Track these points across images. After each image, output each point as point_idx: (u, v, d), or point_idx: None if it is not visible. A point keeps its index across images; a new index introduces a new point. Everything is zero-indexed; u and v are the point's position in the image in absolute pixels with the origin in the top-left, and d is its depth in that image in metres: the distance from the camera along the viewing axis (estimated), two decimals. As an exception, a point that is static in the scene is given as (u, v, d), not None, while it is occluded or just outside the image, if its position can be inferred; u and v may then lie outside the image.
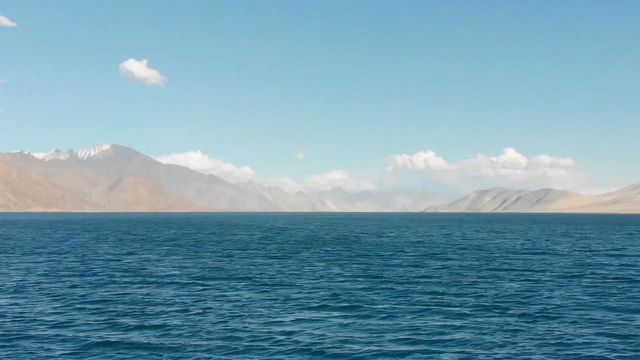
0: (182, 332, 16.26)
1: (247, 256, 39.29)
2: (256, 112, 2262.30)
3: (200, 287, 24.24)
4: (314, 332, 16.35)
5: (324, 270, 30.89)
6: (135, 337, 15.75)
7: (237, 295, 22.37)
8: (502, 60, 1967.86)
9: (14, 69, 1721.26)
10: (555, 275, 28.26)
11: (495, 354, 14.15)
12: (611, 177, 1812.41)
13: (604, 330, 16.39)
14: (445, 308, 19.63)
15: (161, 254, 41.41)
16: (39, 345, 14.89)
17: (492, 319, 17.97)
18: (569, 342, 15.14)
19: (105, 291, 23.19)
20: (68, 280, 26.25)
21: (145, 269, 31.27)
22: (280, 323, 17.39)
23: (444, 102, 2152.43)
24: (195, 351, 14.38)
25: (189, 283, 25.52)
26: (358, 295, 22.22)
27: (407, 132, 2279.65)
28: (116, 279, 26.79)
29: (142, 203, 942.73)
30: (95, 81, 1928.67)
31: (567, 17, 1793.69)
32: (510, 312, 18.94)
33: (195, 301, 20.93)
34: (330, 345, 14.91)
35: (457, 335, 15.82)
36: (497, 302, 20.79)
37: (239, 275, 28.22)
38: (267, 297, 21.79)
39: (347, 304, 20.33)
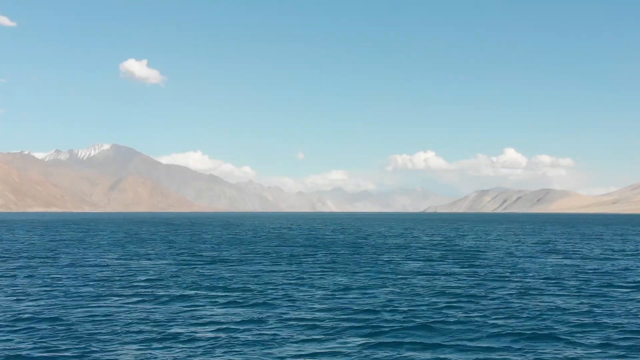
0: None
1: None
2: (256, 112, 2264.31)
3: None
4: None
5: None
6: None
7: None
8: (502, 60, 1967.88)
9: (14, 69, 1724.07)
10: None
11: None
12: (611, 177, 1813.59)
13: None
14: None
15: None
16: None
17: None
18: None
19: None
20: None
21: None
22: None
23: (444, 102, 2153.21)
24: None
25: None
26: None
27: (407, 132, 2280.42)
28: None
29: (142, 203, 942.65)
30: (95, 81, 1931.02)
31: (567, 17, 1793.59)
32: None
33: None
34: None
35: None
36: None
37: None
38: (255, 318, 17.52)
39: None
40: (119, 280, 25.62)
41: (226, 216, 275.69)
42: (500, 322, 16.89)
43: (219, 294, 21.71)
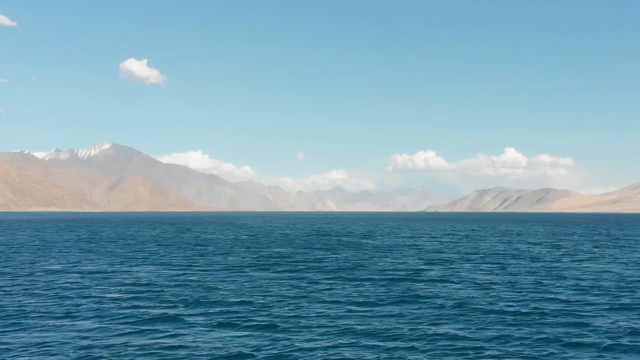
0: None
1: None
2: (256, 112, 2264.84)
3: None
4: None
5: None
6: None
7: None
8: (502, 60, 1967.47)
9: (14, 69, 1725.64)
10: None
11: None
12: (611, 176, 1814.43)
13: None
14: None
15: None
16: None
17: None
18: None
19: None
20: None
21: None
22: None
23: (444, 101, 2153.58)
24: None
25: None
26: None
27: (408, 131, 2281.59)
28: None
29: (142, 203, 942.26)
30: (95, 81, 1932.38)
31: (567, 17, 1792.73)
32: None
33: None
34: None
35: None
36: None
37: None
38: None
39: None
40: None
41: (229, 215, 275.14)
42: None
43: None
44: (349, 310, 17.88)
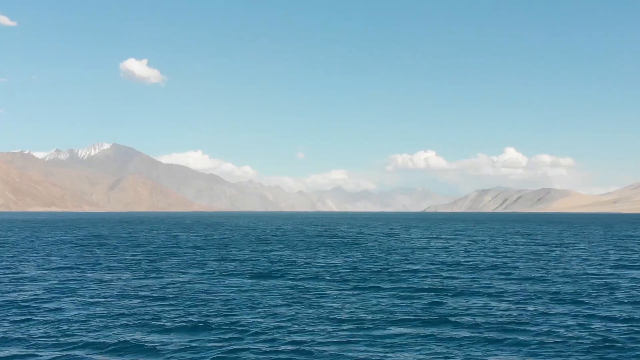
0: None
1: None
2: (256, 111, 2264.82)
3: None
4: None
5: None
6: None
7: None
8: (502, 60, 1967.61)
9: (14, 69, 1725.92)
10: None
11: None
12: (611, 176, 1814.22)
13: None
14: None
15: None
16: None
17: None
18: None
19: None
20: None
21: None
22: None
23: (444, 102, 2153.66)
24: None
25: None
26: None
27: (408, 131, 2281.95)
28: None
29: (142, 202, 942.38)
30: (95, 81, 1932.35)
31: (567, 17, 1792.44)
32: None
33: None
34: None
35: None
36: None
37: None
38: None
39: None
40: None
41: (231, 216, 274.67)
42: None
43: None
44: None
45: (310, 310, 17.99)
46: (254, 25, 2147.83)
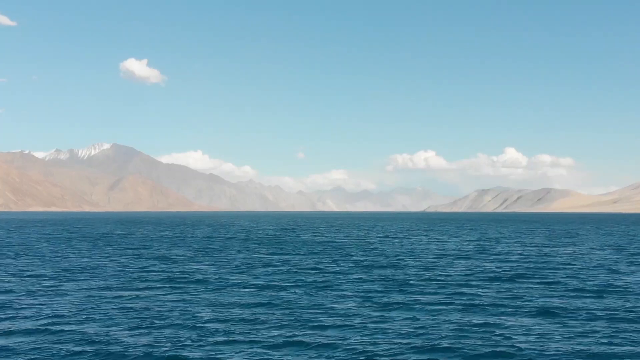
0: None
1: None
2: (256, 111, 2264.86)
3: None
4: None
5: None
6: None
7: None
8: (502, 60, 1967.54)
9: (14, 69, 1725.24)
10: None
11: None
12: (612, 176, 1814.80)
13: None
14: None
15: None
16: None
17: None
18: None
19: None
20: None
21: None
22: None
23: (444, 102, 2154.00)
24: None
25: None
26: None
27: (408, 131, 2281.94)
28: None
29: (142, 202, 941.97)
30: (95, 81, 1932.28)
31: (567, 16, 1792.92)
32: None
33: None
34: None
35: None
36: None
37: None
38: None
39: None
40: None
41: (235, 216, 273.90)
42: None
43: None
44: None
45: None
46: (254, 25, 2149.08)
